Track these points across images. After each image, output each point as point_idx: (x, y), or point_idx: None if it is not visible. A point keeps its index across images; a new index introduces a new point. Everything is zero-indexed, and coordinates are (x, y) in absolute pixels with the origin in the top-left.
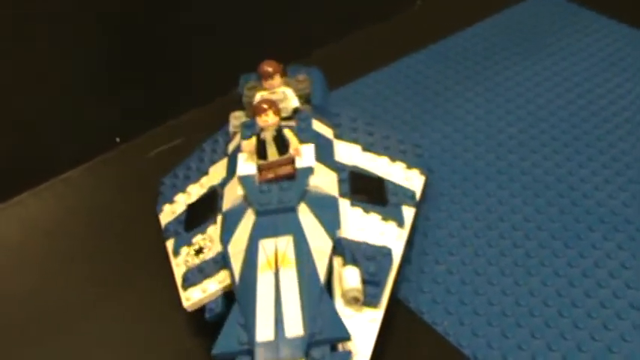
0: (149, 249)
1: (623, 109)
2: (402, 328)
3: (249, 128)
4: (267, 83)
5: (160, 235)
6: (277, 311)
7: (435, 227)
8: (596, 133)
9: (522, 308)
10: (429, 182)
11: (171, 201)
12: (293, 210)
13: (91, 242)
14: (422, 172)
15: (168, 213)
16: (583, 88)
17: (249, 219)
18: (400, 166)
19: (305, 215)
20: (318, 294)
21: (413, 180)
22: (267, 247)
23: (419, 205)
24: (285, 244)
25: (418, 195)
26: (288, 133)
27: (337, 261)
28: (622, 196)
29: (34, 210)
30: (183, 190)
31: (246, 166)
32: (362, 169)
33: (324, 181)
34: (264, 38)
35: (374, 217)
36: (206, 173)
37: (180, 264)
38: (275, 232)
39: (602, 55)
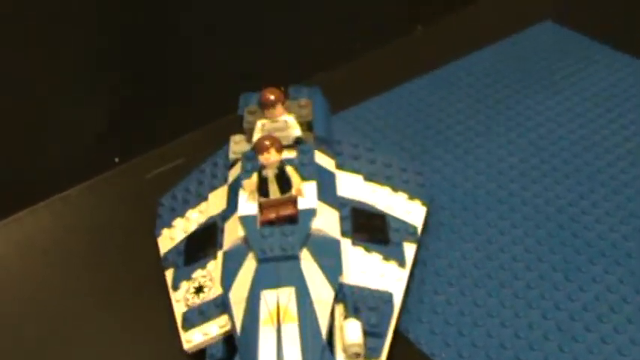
0: (147, 271)
1: (626, 140)
2: (399, 358)
3: (251, 160)
4: (268, 112)
5: (157, 257)
6: None
7: (435, 257)
8: (598, 165)
9: (522, 341)
10: (429, 210)
11: (169, 225)
12: (295, 258)
13: (89, 262)
14: (423, 203)
15: (167, 239)
16: (585, 118)
17: (250, 265)
18: (402, 197)
19: (307, 263)
20: (320, 351)
21: (414, 212)
22: (268, 299)
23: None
24: (287, 296)
25: (420, 229)
26: (290, 171)
27: (338, 309)
28: (623, 230)
29: (32, 228)
30: (182, 214)
31: (248, 205)
32: (364, 204)
33: (327, 222)
34: (265, 60)
35: (375, 258)
36: (205, 199)
37: (179, 300)
38: (277, 283)
39: (605, 84)
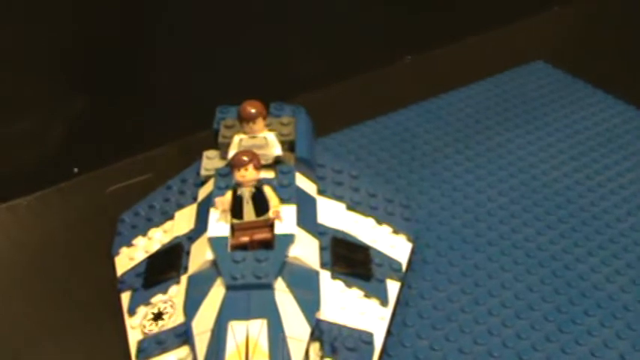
0: (100, 294)
1: (621, 188)
2: None
3: (224, 178)
4: (247, 126)
5: (112, 280)
6: None
7: (418, 297)
8: (593, 211)
9: None
10: (413, 248)
11: (129, 244)
12: (269, 287)
13: (34, 280)
14: (409, 239)
15: (125, 259)
16: (579, 163)
17: (218, 292)
18: (386, 230)
19: (282, 294)
20: None
21: (399, 247)
22: (237, 331)
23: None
24: (257, 329)
25: (404, 266)
26: (268, 192)
27: (313, 347)
28: (620, 281)
29: None
30: (144, 233)
31: (218, 226)
32: (346, 234)
33: (305, 252)
34: (246, 77)
35: (356, 293)
36: (171, 217)
37: (135, 327)
38: (247, 314)
39: (599, 130)
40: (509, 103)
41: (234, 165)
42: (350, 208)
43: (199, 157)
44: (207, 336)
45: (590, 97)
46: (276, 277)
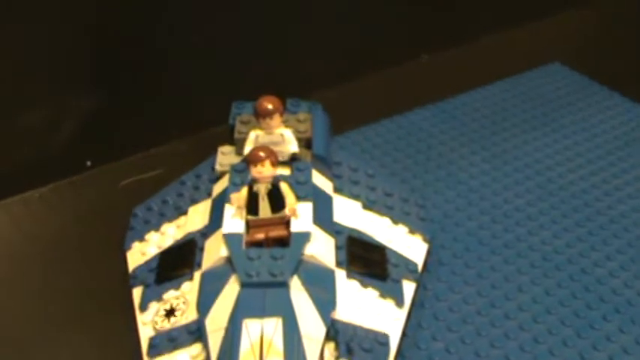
0: (112, 288)
1: (639, 191)
2: None
3: (240, 174)
4: (264, 122)
5: (124, 274)
6: None
7: (434, 299)
8: (611, 215)
9: None
10: (429, 249)
11: (141, 238)
12: (284, 285)
13: (46, 273)
14: (425, 239)
15: (137, 254)
16: (596, 166)
17: (232, 289)
18: (402, 230)
19: (297, 292)
20: None
21: (415, 248)
22: (251, 329)
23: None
24: (272, 328)
25: (420, 267)
26: (284, 188)
27: (328, 347)
28: (638, 286)
29: None
30: (156, 227)
31: (234, 222)
32: (361, 233)
33: (321, 250)
34: (262, 72)
35: (371, 293)
36: (184, 213)
37: (146, 323)
38: (262, 312)
39: (617, 133)
40: (525, 104)
41: (250, 160)
42: (366, 207)
43: (213, 152)
44: (221, 334)
45: (607, 99)
46: (291, 276)
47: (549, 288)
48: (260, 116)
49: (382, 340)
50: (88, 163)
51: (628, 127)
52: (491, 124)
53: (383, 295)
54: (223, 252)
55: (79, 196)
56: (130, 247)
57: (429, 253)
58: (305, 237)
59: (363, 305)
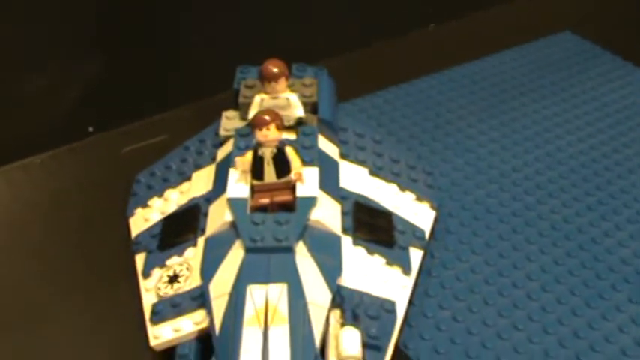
0: (115, 254)
1: None
2: None
3: (244, 138)
4: (269, 86)
5: (126, 240)
6: None
7: (441, 267)
8: (621, 184)
9: None
10: (436, 216)
11: (144, 205)
12: (290, 251)
13: (47, 240)
14: (432, 207)
15: (140, 220)
16: (606, 135)
17: (236, 254)
18: (409, 197)
19: (303, 258)
20: None
21: (422, 215)
22: (256, 295)
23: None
24: (277, 293)
25: (427, 234)
26: (290, 153)
27: (334, 314)
28: None
29: None
30: (160, 193)
31: (238, 187)
32: (368, 199)
33: (327, 215)
34: (268, 38)
35: (378, 260)
36: (188, 178)
37: (149, 289)
38: (267, 278)
39: (627, 103)
40: (535, 73)
41: (255, 124)
42: (372, 173)
43: (216, 119)
44: (225, 299)
45: (619, 69)
46: (297, 241)
47: (558, 257)
48: (265, 80)
49: (389, 307)
50: (90, 129)
51: (639, 97)
52: (501, 92)
53: (390, 262)
54: (227, 217)
55: (81, 162)
56: (132, 214)
57: (436, 221)
58: (311, 202)
59: (369, 272)
